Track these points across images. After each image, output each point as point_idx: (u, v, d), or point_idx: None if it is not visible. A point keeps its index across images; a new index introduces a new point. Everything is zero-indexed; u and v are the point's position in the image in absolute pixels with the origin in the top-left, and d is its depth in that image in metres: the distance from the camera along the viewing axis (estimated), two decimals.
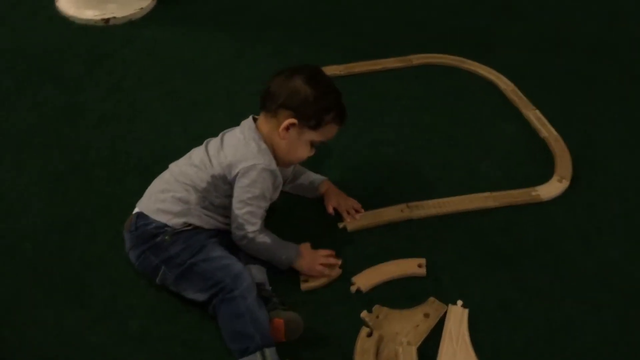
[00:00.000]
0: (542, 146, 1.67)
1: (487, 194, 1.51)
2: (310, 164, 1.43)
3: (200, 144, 1.31)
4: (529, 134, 1.72)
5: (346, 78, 1.89)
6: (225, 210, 1.26)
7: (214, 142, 1.28)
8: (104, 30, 2.09)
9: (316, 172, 1.49)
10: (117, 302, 1.25)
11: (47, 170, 1.56)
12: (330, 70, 1.88)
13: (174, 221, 1.22)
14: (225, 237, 1.27)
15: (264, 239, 1.24)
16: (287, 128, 1.21)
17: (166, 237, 1.21)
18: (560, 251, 1.40)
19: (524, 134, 1.72)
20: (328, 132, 1.24)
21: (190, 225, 1.24)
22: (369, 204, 1.46)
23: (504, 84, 1.90)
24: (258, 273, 1.25)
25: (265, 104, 1.24)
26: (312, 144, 1.26)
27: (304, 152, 1.26)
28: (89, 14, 2.12)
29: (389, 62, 1.97)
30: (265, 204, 1.24)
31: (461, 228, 1.44)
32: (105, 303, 1.24)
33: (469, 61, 1.99)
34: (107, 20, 2.11)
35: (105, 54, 1.97)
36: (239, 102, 1.79)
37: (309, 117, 1.20)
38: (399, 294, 1.27)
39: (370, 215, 1.45)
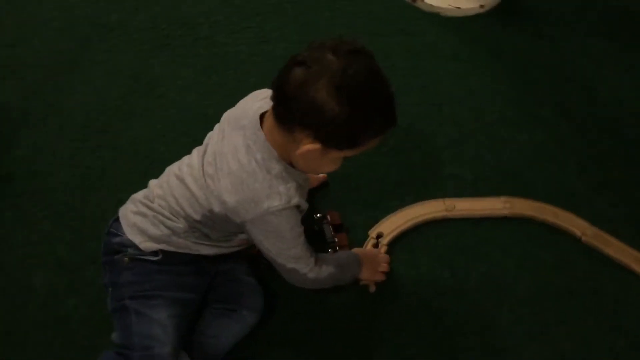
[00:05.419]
0: None
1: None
2: None
3: None
4: None
5: None
6: (228, 236, 1.04)
7: (210, 155, 0.96)
8: None
9: None
10: None
11: None
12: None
13: (145, 245, 1.00)
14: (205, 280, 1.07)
15: (327, 270, 1.03)
16: (307, 152, 0.89)
17: (125, 258, 1.00)
18: None
19: None
20: (369, 146, 0.92)
21: (161, 254, 1.01)
22: None
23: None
24: None
25: (278, 109, 0.89)
26: (345, 158, 0.95)
27: (331, 168, 0.96)
28: None
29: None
30: (301, 238, 0.98)
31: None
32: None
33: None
34: None
35: None
36: None
37: (338, 141, 0.88)
38: None
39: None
